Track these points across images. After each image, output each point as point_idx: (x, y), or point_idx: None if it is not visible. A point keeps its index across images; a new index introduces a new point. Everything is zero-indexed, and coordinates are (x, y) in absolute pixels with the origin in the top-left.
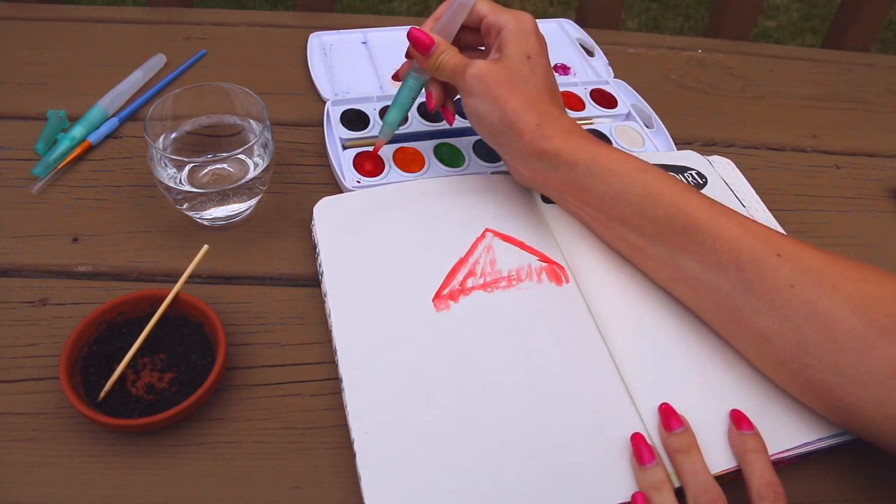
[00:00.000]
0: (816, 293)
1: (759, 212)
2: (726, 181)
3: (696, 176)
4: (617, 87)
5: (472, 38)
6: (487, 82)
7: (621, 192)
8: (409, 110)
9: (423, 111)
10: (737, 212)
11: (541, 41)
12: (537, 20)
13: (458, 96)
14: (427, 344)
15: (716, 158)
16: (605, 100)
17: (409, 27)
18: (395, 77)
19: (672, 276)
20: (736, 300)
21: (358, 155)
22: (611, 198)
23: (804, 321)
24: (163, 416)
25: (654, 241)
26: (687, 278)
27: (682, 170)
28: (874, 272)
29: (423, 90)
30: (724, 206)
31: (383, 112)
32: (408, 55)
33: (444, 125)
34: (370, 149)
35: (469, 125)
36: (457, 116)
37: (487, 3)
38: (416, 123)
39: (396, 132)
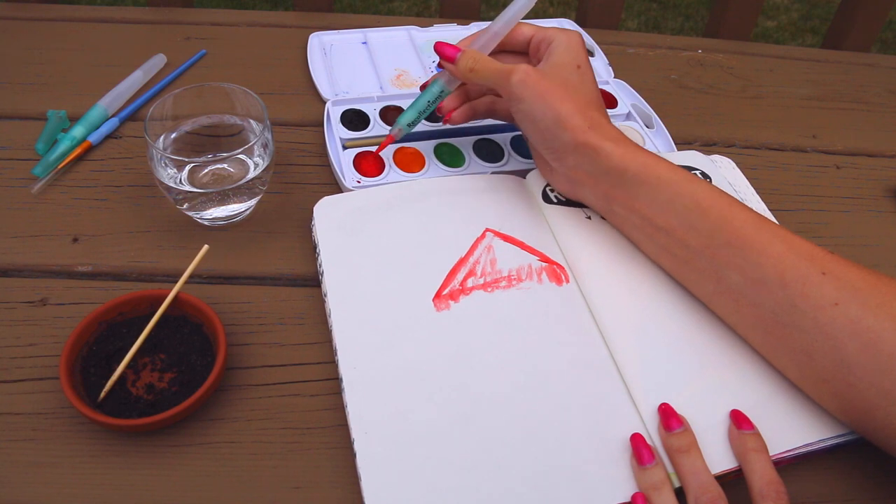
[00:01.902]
0: (861, 312)
1: (760, 212)
2: (728, 181)
3: (699, 176)
4: (617, 87)
5: (514, 61)
6: (539, 85)
7: (670, 201)
8: (424, 115)
9: None
10: (783, 228)
11: (587, 56)
12: (537, 20)
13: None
14: (427, 344)
15: (717, 158)
16: (605, 100)
17: (408, 27)
18: (422, 87)
19: (715, 290)
20: (779, 317)
21: (358, 155)
22: (659, 207)
23: (848, 340)
24: (163, 416)
25: (699, 254)
26: (730, 292)
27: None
28: None
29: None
30: (770, 221)
31: (383, 112)
32: (439, 65)
33: (444, 125)
34: (370, 149)
35: (469, 126)
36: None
37: (531, 24)
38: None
39: None
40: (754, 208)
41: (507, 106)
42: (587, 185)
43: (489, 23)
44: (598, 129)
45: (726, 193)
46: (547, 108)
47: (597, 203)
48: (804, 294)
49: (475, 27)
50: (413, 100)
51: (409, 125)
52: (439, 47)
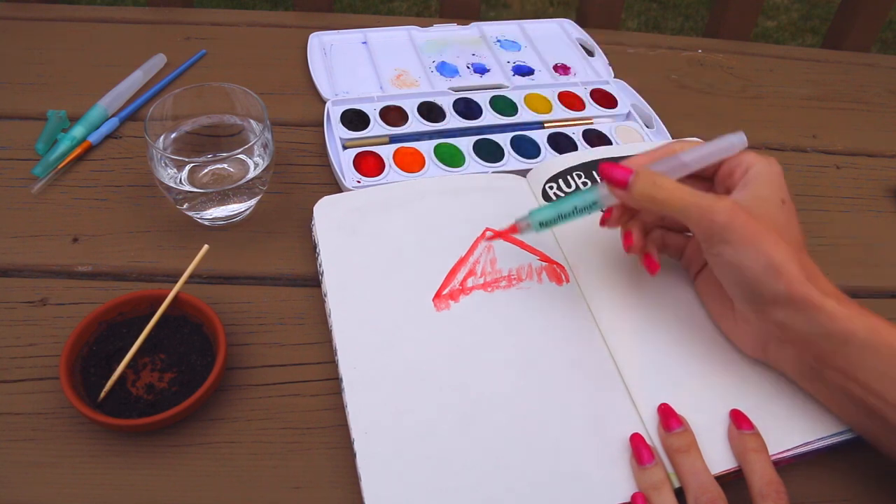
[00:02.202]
0: None
1: None
2: None
3: None
4: (617, 87)
5: (693, 185)
6: (749, 226)
7: None
8: (565, 220)
9: (423, 111)
10: None
11: (788, 189)
12: (537, 20)
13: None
14: (427, 344)
15: None
16: (605, 100)
17: (408, 27)
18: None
19: None
20: None
21: (358, 155)
22: (891, 381)
23: None
24: (163, 416)
25: None
26: None
27: None
28: None
29: (617, 226)
30: None
31: (384, 112)
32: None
33: (444, 125)
34: (370, 149)
35: (469, 126)
36: None
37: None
38: (416, 123)
39: (397, 132)
40: None
41: (695, 245)
42: (793, 345)
43: (664, 144)
44: (816, 282)
45: None
46: (759, 255)
47: (799, 366)
48: None
49: (475, 27)
50: (559, 199)
51: (540, 224)
52: (607, 171)
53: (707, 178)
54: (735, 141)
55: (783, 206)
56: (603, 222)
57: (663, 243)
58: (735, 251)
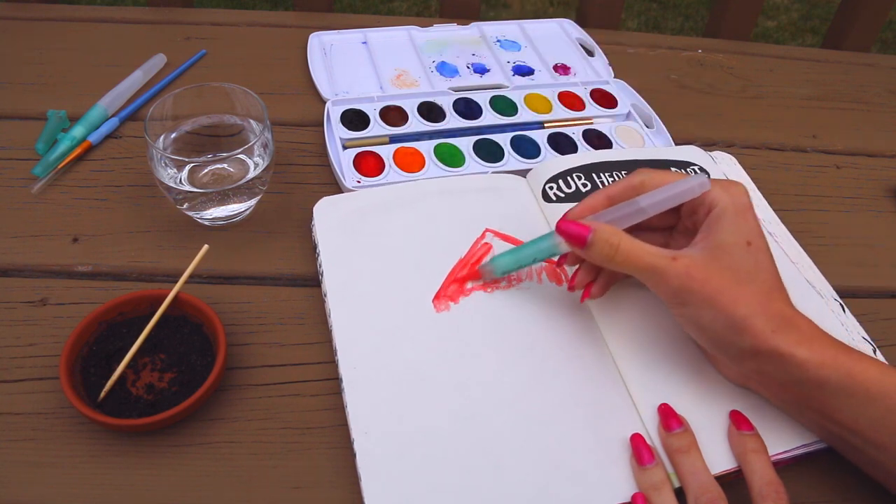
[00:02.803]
0: None
1: (762, 208)
2: (729, 178)
3: (697, 171)
4: (617, 87)
5: (659, 219)
6: (706, 286)
7: (882, 417)
8: (523, 267)
9: (423, 111)
10: None
11: (757, 220)
12: (537, 20)
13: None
14: (427, 344)
15: (718, 154)
16: (605, 100)
17: (408, 27)
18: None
19: None
20: None
21: (358, 155)
22: (868, 422)
23: None
24: (163, 416)
25: None
26: None
27: (684, 165)
28: None
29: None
30: None
31: (383, 112)
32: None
33: (444, 125)
34: (370, 149)
35: (469, 126)
36: None
37: (678, 174)
38: (416, 123)
39: (397, 132)
40: (756, 205)
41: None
42: (772, 390)
43: (627, 177)
44: (785, 330)
45: None
46: (718, 314)
47: (784, 407)
48: None
49: (475, 27)
50: (517, 247)
51: (502, 272)
52: (564, 228)
53: (672, 210)
54: (695, 186)
55: (748, 248)
56: (559, 265)
57: (618, 278)
58: (694, 311)
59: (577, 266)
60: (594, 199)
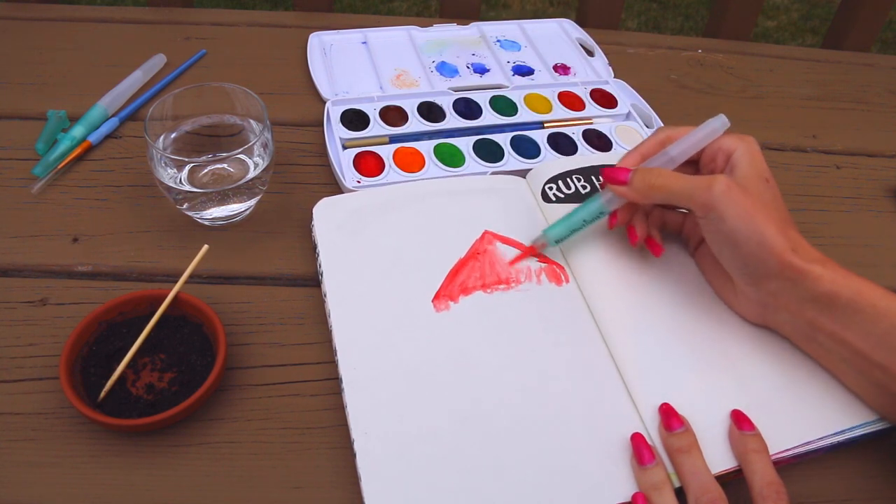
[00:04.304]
0: None
1: None
2: None
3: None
4: (617, 87)
5: (680, 172)
6: (743, 202)
7: (887, 333)
8: (578, 232)
9: (423, 111)
10: None
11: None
12: (537, 20)
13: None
14: (427, 344)
15: None
16: (605, 100)
17: (408, 27)
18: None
19: None
20: None
21: (358, 155)
22: (875, 340)
23: None
24: (163, 416)
25: None
26: None
27: None
28: None
29: (624, 225)
30: None
31: (383, 112)
32: (602, 186)
33: (444, 125)
34: (370, 149)
35: (469, 126)
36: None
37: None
38: (415, 123)
39: (397, 132)
40: None
41: (692, 221)
42: (788, 312)
43: (652, 134)
44: (801, 251)
45: None
46: (752, 228)
47: (796, 332)
48: None
49: (475, 27)
50: (566, 214)
51: (556, 241)
52: (607, 173)
53: (691, 163)
54: (717, 125)
55: (767, 183)
56: (611, 225)
57: (663, 222)
58: (732, 225)
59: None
60: (629, 158)
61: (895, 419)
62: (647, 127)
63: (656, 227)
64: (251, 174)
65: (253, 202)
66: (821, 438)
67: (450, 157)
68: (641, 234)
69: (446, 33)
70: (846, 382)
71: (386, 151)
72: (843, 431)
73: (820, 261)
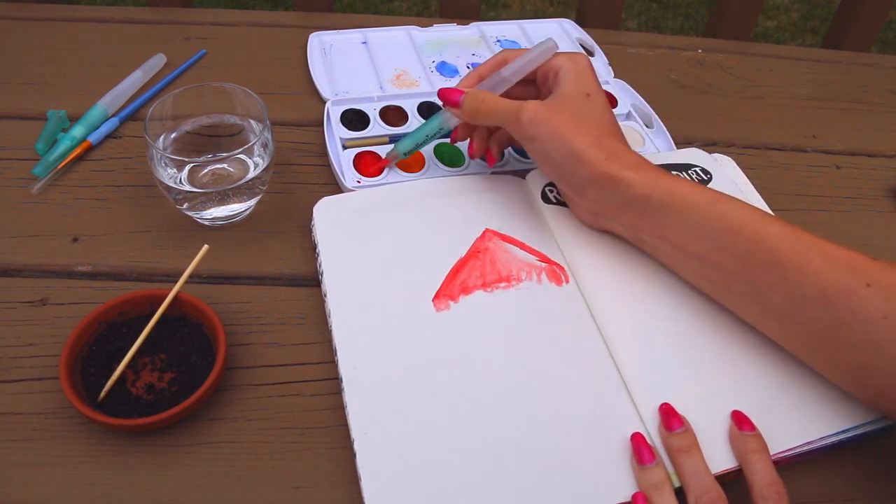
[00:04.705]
0: None
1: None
2: (733, 180)
3: (699, 172)
4: (617, 87)
5: (523, 91)
6: (550, 121)
7: (699, 225)
8: (422, 146)
9: (422, 110)
10: (821, 239)
11: (597, 79)
12: (537, 20)
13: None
14: (427, 344)
15: (719, 156)
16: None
17: (408, 27)
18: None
19: (759, 312)
20: (827, 334)
21: (358, 155)
22: (689, 232)
23: None
24: (163, 416)
25: (737, 277)
26: (774, 314)
27: (685, 167)
28: None
29: (465, 140)
30: (806, 234)
31: (383, 112)
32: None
33: None
34: (371, 149)
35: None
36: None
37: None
38: (416, 123)
39: (397, 132)
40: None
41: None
42: (612, 217)
43: (492, 57)
44: (616, 159)
45: (758, 210)
46: (560, 145)
47: (625, 233)
48: (850, 309)
49: (475, 27)
50: (414, 129)
51: (405, 154)
52: (443, 93)
53: (531, 83)
54: (544, 50)
55: (588, 98)
56: (452, 140)
57: (509, 139)
58: (542, 144)
59: (469, 139)
60: (467, 79)
61: (726, 305)
62: (648, 127)
63: (501, 142)
64: (251, 174)
65: (253, 202)
66: (821, 438)
67: (450, 157)
68: (478, 149)
69: (446, 33)
70: (680, 275)
71: (386, 151)
72: (843, 431)
73: (633, 166)
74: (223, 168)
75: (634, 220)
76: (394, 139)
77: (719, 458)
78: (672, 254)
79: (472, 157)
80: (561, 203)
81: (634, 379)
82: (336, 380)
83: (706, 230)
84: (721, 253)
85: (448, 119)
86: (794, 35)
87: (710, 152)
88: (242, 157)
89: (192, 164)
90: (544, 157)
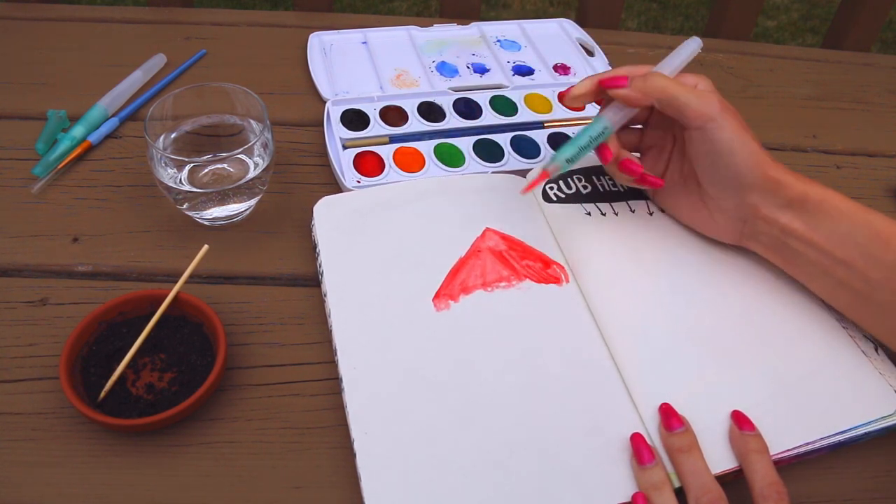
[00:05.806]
0: None
1: None
2: None
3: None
4: None
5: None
6: (737, 117)
7: (848, 232)
8: (586, 152)
9: (423, 111)
10: None
11: None
12: (537, 20)
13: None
14: (427, 343)
15: None
16: None
17: (408, 27)
18: (561, 98)
19: None
20: None
21: (358, 155)
22: (839, 238)
23: None
24: (163, 416)
25: (881, 288)
26: None
27: None
28: None
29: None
30: None
31: (383, 112)
32: (599, 102)
33: (444, 125)
34: (370, 149)
35: (469, 126)
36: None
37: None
38: (416, 123)
39: (397, 132)
40: None
41: (680, 133)
42: (765, 221)
43: (626, 69)
44: (775, 163)
45: None
46: (745, 141)
47: (770, 241)
48: None
49: (475, 27)
50: (572, 138)
51: (568, 161)
52: (607, 80)
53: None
54: (694, 46)
55: (736, 112)
56: (605, 161)
57: (641, 141)
58: (729, 135)
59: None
60: (585, 84)
61: (858, 319)
62: None
63: (633, 146)
64: (251, 174)
65: (253, 202)
66: (821, 438)
67: (450, 157)
68: (615, 152)
69: (446, 33)
70: (813, 287)
71: (386, 151)
72: (843, 431)
73: (789, 172)
74: (223, 168)
75: (788, 224)
76: (394, 139)
77: (719, 459)
78: (818, 260)
79: (605, 163)
80: (561, 201)
81: (634, 379)
82: (336, 380)
83: (856, 237)
84: (868, 260)
85: (612, 119)
86: (794, 35)
87: None
88: (242, 157)
89: (192, 164)
90: (725, 150)
